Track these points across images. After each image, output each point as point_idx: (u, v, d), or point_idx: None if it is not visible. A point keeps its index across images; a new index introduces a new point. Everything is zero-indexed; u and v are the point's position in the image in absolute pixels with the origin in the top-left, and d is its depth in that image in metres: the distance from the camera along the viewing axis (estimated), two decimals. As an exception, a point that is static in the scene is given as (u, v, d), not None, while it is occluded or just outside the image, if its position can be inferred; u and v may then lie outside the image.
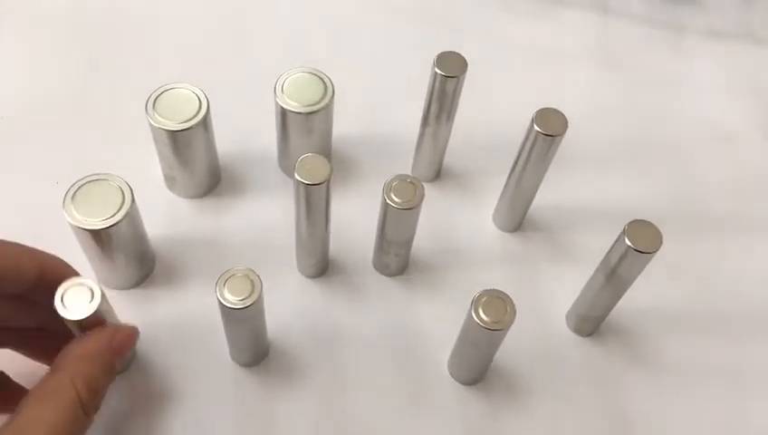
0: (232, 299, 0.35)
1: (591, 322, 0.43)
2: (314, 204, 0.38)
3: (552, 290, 0.46)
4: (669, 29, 0.60)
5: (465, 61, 0.41)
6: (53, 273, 0.35)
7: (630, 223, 0.36)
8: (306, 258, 0.43)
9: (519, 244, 0.48)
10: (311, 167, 0.37)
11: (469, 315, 0.36)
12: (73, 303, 0.34)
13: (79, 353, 0.34)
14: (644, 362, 0.44)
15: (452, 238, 0.48)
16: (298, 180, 0.36)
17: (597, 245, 0.46)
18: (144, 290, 0.44)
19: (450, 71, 0.41)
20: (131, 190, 0.39)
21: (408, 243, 0.43)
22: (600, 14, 0.60)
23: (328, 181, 0.37)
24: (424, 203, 0.48)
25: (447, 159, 0.49)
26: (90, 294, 0.34)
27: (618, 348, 0.44)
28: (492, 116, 0.51)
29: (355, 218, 0.47)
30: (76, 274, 0.36)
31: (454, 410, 0.42)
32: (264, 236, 0.46)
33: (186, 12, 0.57)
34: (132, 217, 0.39)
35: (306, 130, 0.45)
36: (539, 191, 0.45)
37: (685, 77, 0.57)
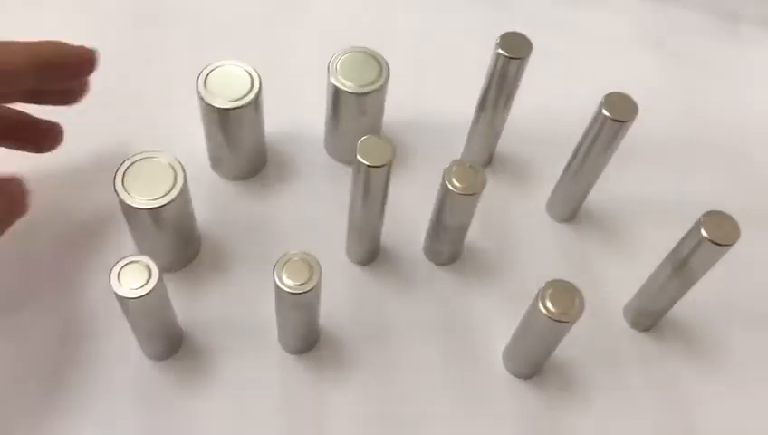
0: (290, 283, 0.34)
1: (651, 316, 0.42)
2: (374, 187, 0.37)
3: (607, 283, 0.44)
4: (724, 17, 0.58)
5: (529, 42, 0.39)
6: (50, 60, 0.33)
7: (706, 214, 0.35)
8: (358, 244, 0.42)
9: (573, 234, 0.46)
10: (373, 148, 0.35)
11: (535, 306, 0.35)
12: (129, 281, 0.33)
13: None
14: (704, 359, 0.42)
15: (504, 227, 0.46)
16: (359, 161, 0.35)
17: (654, 238, 0.45)
18: (190, 272, 0.43)
19: (514, 52, 0.39)
20: (183, 169, 0.38)
21: (464, 230, 0.41)
22: (656, 1, 0.58)
23: (390, 164, 0.36)
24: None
25: (500, 145, 0.48)
26: (147, 272, 0.33)
27: (677, 343, 0.43)
28: (547, 102, 0.50)
29: (405, 204, 0.45)
30: (78, 52, 0.34)
31: (508, 403, 0.40)
32: (310, 221, 0.45)
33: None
34: (184, 195, 0.38)
35: (358, 112, 0.43)
36: (596, 184, 0.44)
37: (741, 66, 0.55)
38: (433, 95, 0.51)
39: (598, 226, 0.47)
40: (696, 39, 0.56)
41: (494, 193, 0.47)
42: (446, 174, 0.38)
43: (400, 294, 0.43)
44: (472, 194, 0.37)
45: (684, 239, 0.36)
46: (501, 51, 0.39)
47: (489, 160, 0.48)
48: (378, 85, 0.42)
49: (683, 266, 0.37)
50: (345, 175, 0.47)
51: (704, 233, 0.34)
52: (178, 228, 0.40)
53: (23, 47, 0.32)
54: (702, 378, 0.42)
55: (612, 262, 0.45)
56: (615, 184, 0.48)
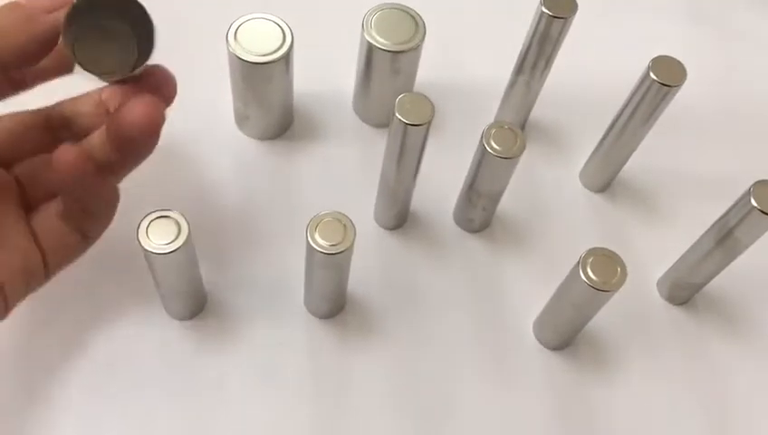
0: (323, 243, 0.33)
1: (688, 289, 0.41)
2: (410, 147, 0.35)
3: (642, 255, 0.43)
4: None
5: (574, 1, 0.38)
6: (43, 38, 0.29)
7: (756, 183, 0.34)
8: (388, 207, 0.41)
9: (607, 205, 0.45)
10: (412, 105, 0.34)
11: (575, 273, 0.33)
12: (157, 237, 0.32)
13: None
14: (739, 334, 0.41)
15: (536, 195, 0.45)
16: (398, 119, 0.34)
17: (691, 210, 0.44)
18: (216, 232, 0.42)
19: (558, 11, 0.37)
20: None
21: (498, 196, 0.40)
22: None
23: (429, 123, 0.34)
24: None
25: (535, 110, 0.46)
26: (176, 228, 0.32)
27: (712, 318, 0.42)
28: (586, 66, 0.48)
29: (436, 168, 0.44)
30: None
31: (538, 374, 0.39)
32: (337, 183, 0.44)
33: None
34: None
35: (392, 71, 0.42)
36: (633, 156, 0.42)
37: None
38: (468, 56, 0.49)
39: (632, 197, 0.45)
40: (740, 10, 0.54)
41: (526, 160, 0.45)
42: (485, 136, 0.36)
43: (429, 261, 0.42)
44: (510, 157, 0.36)
45: (731, 209, 0.35)
46: (544, 9, 0.37)
47: (523, 126, 0.47)
48: (414, 44, 0.41)
49: (728, 238, 0.35)
50: (373, 137, 0.46)
51: (754, 202, 0.33)
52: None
53: (28, 23, 0.29)
54: (736, 353, 0.41)
55: (646, 234, 0.44)
56: (651, 155, 0.46)
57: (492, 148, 0.36)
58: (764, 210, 0.33)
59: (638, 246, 0.44)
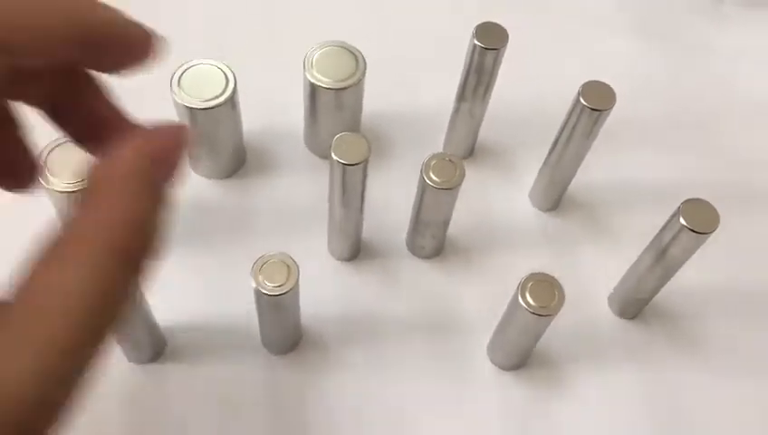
0: (268, 285, 0.34)
1: (636, 304, 0.42)
2: (351, 185, 0.36)
3: (592, 272, 0.44)
4: (707, -4, 0.57)
5: (505, 32, 0.39)
6: (105, 37, 0.21)
7: (685, 202, 0.35)
8: (339, 241, 0.42)
9: (557, 223, 0.46)
10: (348, 145, 0.35)
11: (515, 300, 0.34)
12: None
13: (111, 177, 0.20)
14: (690, 346, 0.42)
15: (487, 218, 0.46)
16: (335, 160, 0.35)
17: (639, 224, 0.45)
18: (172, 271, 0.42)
19: (490, 42, 0.39)
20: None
21: (445, 224, 0.41)
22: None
23: (366, 161, 0.35)
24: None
25: (482, 135, 0.47)
26: None
27: (662, 331, 0.43)
28: (529, 89, 0.49)
29: (386, 199, 0.45)
30: (138, 32, 0.22)
31: (494, 395, 0.40)
32: (292, 219, 0.45)
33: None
34: None
35: (336, 107, 0.43)
36: (580, 170, 0.43)
37: (724, 46, 0.55)
38: (413, 87, 0.50)
39: (582, 214, 0.46)
40: (679, 20, 0.56)
41: (477, 184, 0.47)
42: (425, 168, 0.37)
43: (384, 290, 0.43)
44: (450, 188, 0.37)
45: (664, 228, 0.36)
46: (477, 42, 0.39)
47: (471, 151, 0.48)
48: (354, 80, 0.42)
49: (663, 255, 0.36)
50: (326, 170, 0.47)
51: (683, 221, 0.34)
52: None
53: (66, 6, 0.21)
54: (687, 365, 0.42)
55: (597, 250, 0.45)
56: (599, 170, 0.47)
57: (431, 179, 0.37)
58: (693, 229, 0.34)
59: (589, 263, 0.45)
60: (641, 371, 0.41)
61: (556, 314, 0.34)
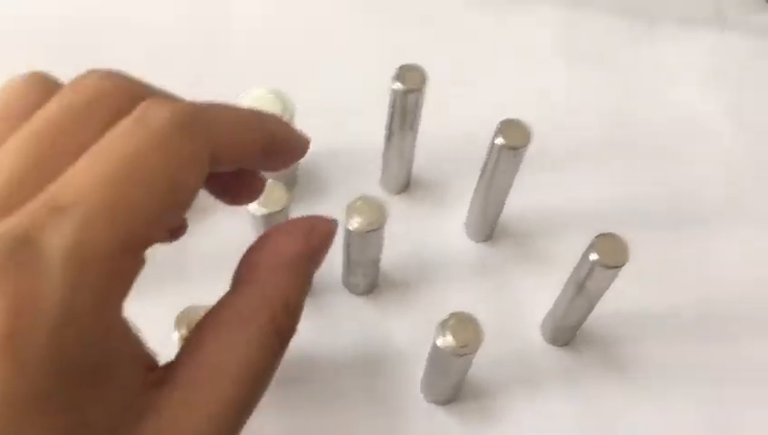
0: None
1: (566, 331, 0.42)
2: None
3: (526, 300, 0.45)
4: (640, 18, 0.58)
5: (424, 73, 0.40)
6: (280, 145, 0.24)
7: (597, 237, 0.36)
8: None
9: (492, 253, 0.47)
10: (268, 194, 0.36)
11: (434, 340, 0.35)
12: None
13: (271, 263, 0.23)
14: (622, 370, 0.43)
15: (424, 251, 0.47)
16: (253, 214, 0.35)
17: (572, 251, 0.46)
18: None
19: (410, 84, 0.39)
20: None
21: (374, 263, 0.42)
22: (569, 7, 0.58)
23: (287, 209, 0.36)
24: (394, 217, 0.47)
25: (417, 169, 0.48)
26: None
27: (595, 356, 0.44)
28: (460, 120, 0.50)
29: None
30: (299, 137, 0.25)
31: (429, 431, 0.41)
32: (227, 262, 0.45)
33: (138, 30, 0.56)
34: None
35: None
36: (511, 197, 0.44)
37: (657, 68, 0.56)
38: (347, 124, 0.50)
39: (516, 242, 0.47)
40: (609, 42, 0.57)
41: (412, 218, 0.48)
42: (348, 211, 0.38)
43: (319, 328, 0.44)
44: (372, 231, 0.38)
45: (579, 262, 0.37)
46: (397, 84, 0.39)
47: (407, 185, 0.48)
48: (282, 123, 0.42)
49: (582, 288, 0.37)
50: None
51: (594, 257, 0.35)
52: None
53: (259, 120, 0.24)
54: (620, 389, 0.42)
55: (530, 278, 0.46)
56: (533, 198, 0.48)
57: (353, 222, 0.38)
58: (605, 263, 0.35)
59: (523, 291, 0.45)
60: (575, 397, 0.42)
61: (475, 351, 0.35)
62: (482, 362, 0.41)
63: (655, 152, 0.52)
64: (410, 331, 0.44)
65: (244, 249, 0.48)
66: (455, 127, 0.49)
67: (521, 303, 0.45)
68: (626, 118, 0.53)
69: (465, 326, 0.35)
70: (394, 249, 0.46)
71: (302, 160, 0.48)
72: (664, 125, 0.53)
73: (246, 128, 0.23)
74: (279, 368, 0.44)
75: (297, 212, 0.47)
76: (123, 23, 0.55)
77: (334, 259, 0.44)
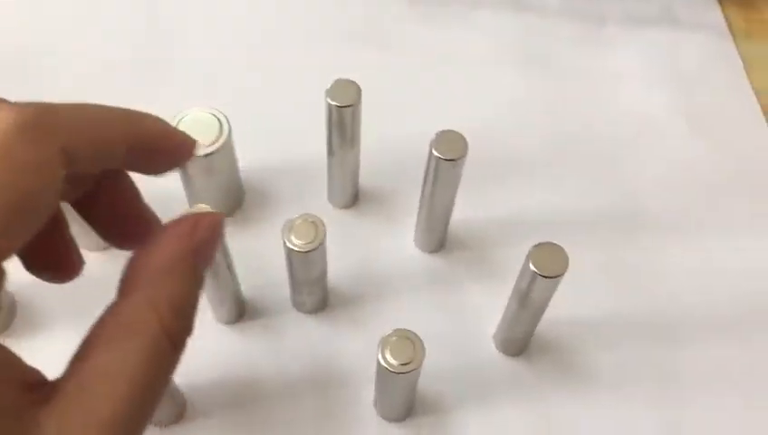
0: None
1: (517, 342, 0.42)
2: (216, 264, 0.36)
3: (478, 310, 0.44)
4: (589, 20, 0.58)
5: (358, 88, 0.39)
6: (155, 144, 0.23)
7: (535, 247, 0.35)
8: (218, 306, 0.42)
9: (443, 264, 0.46)
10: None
11: (378, 359, 0.34)
12: None
13: (155, 265, 0.22)
14: (577, 377, 0.43)
15: (374, 265, 0.46)
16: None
17: (523, 259, 0.45)
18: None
19: (344, 100, 0.39)
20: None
21: (318, 281, 0.41)
22: (515, 12, 0.58)
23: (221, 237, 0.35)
24: (343, 231, 0.46)
25: (364, 182, 0.48)
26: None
27: (549, 364, 0.43)
28: (404, 131, 0.49)
29: (271, 255, 0.45)
30: (181, 137, 0.25)
31: (383, 448, 0.40)
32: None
33: (74, 53, 0.55)
34: None
35: (208, 172, 0.43)
36: (460, 205, 0.44)
37: (606, 70, 0.56)
38: (290, 143, 0.50)
39: (466, 252, 0.47)
40: (558, 47, 0.57)
41: (362, 231, 0.47)
42: (285, 231, 0.37)
43: (270, 349, 0.43)
44: (311, 250, 0.37)
45: (520, 273, 0.36)
46: (331, 101, 0.39)
47: (354, 198, 0.48)
48: (221, 143, 0.42)
49: (526, 299, 0.37)
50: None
51: (532, 268, 0.34)
52: None
53: (123, 118, 0.23)
54: (575, 397, 0.42)
55: (481, 288, 0.45)
56: (483, 205, 0.48)
57: (292, 243, 0.37)
58: (544, 274, 0.34)
59: (474, 302, 0.45)
60: (530, 407, 0.42)
61: (418, 368, 0.34)
62: (436, 375, 0.41)
63: (604, 157, 0.51)
64: (363, 347, 0.43)
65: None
66: (399, 138, 0.49)
67: (473, 313, 0.44)
68: (574, 123, 0.53)
69: (406, 343, 0.35)
70: (344, 264, 0.45)
71: (249, 180, 0.48)
72: (614, 129, 0.53)
73: (107, 125, 0.22)
74: (228, 392, 0.43)
75: (242, 233, 0.47)
76: (51, 51, 0.54)
77: (282, 279, 0.43)
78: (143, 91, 0.52)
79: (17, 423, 0.19)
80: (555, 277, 0.34)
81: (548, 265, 0.34)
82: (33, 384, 0.20)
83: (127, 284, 0.22)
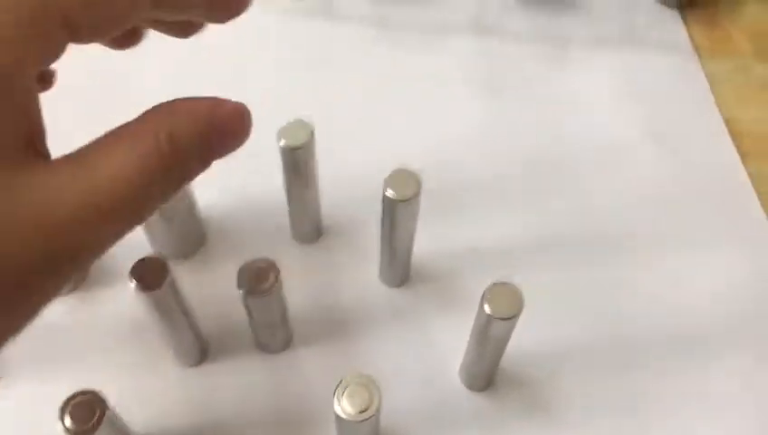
0: (72, 428, 0.33)
1: (482, 378, 0.41)
2: (166, 308, 0.36)
3: (443, 345, 0.44)
4: (553, 42, 0.58)
5: (310, 128, 0.39)
6: None
7: (490, 287, 0.35)
8: (177, 348, 0.41)
9: (408, 299, 0.46)
10: (147, 270, 0.35)
11: (334, 409, 0.34)
12: None
13: (170, 108, 0.25)
14: (545, 409, 0.42)
15: (339, 302, 0.46)
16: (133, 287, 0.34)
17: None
18: None
19: (295, 141, 0.39)
20: None
21: (277, 324, 0.41)
22: (477, 36, 0.58)
23: (170, 283, 0.35)
24: (308, 268, 0.46)
25: (327, 217, 0.47)
26: None
27: (517, 398, 0.43)
28: (367, 161, 0.49)
29: (235, 296, 0.44)
30: None
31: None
32: (134, 328, 0.44)
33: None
34: None
35: (164, 220, 0.42)
36: (424, 237, 0.43)
37: (571, 93, 0.55)
38: (251, 181, 0.49)
39: (431, 285, 0.46)
40: (522, 70, 0.56)
41: (326, 267, 0.47)
42: (239, 276, 0.37)
43: (234, 392, 0.42)
44: (266, 296, 0.37)
45: (477, 314, 0.36)
46: (283, 142, 0.38)
47: (318, 234, 0.47)
48: (176, 187, 0.41)
49: (485, 338, 0.36)
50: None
51: (487, 310, 0.34)
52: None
53: None
54: (545, 430, 0.41)
55: (447, 322, 0.45)
56: (446, 237, 0.48)
57: (246, 286, 0.37)
58: (499, 316, 0.34)
59: (440, 336, 0.44)
60: (495, 443, 0.41)
61: (376, 413, 0.34)
62: (401, 413, 0.40)
63: (569, 181, 0.51)
64: (328, 387, 0.42)
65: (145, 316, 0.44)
66: (360, 169, 0.48)
67: (438, 348, 0.44)
68: (539, 148, 0.52)
69: (361, 390, 0.34)
70: (310, 301, 0.45)
71: (210, 220, 0.48)
72: (579, 153, 0.52)
73: None
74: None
75: (204, 275, 0.46)
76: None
77: (245, 319, 0.43)
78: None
79: (12, 166, 0.21)
80: (510, 319, 0.34)
81: (503, 305, 0.34)
82: (38, 144, 0.23)
83: (141, 115, 0.24)
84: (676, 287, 0.46)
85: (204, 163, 0.25)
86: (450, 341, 0.44)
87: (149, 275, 0.35)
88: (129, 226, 0.23)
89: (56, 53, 0.23)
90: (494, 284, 0.35)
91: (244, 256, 0.44)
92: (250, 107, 0.32)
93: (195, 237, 0.46)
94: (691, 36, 0.58)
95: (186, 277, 0.45)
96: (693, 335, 0.45)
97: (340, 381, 0.34)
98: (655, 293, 0.46)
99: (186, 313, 0.39)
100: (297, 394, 0.42)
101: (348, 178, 0.48)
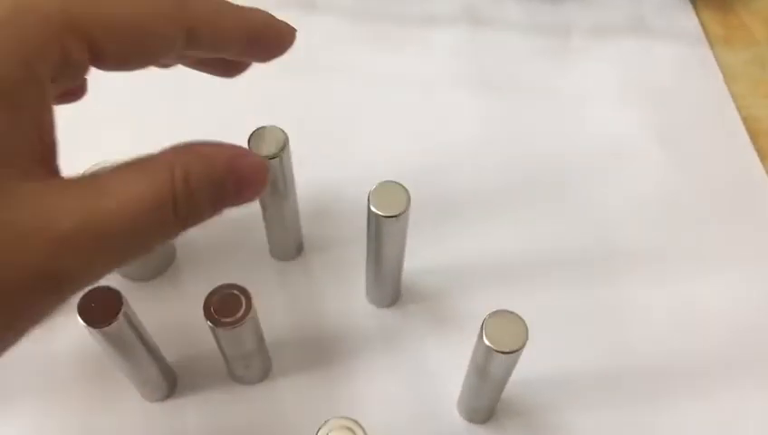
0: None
1: (482, 412, 0.37)
2: (117, 344, 0.32)
3: (439, 371, 0.40)
4: (552, 32, 0.53)
5: (283, 135, 0.34)
6: (258, 30, 0.28)
7: (489, 316, 0.30)
8: (140, 384, 0.37)
9: (399, 320, 0.41)
10: (99, 301, 0.31)
11: (315, 452, 0.30)
12: None
13: (190, 149, 0.25)
14: (549, 444, 0.38)
15: (322, 325, 0.41)
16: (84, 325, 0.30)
17: (485, 311, 0.41)
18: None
19: (268, 149, 0.34)
20: None
21: (252, 354, 0.36)
22: (471, 27, 0.53)
23: (121, 312, 0.31)
24: (289, 287, 0.42)
25: (308, 232, 0.43)
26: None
27: (519, 431, 0.38)
28: (352, 169, 0.45)
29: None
30: (283, 27, 0.29)
31: None
32: (96, 360, 0.40)
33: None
34: None
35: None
36: (415, 252, 0.39)
37: (573, 87, 0.51)
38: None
39: (423, 305, 0.42)
40: (520, 63, 0.52)
41: (308, 287, 0.42)
42: (205, 306, 0.33)
43: (205, 429, 0.38)
44: (237, 326, 0.32)
45: (475, 346, 0.32)
46: (254, 150, 0.34)
47: (299, 250, 0.43)
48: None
49: (484, 372, 0.32)
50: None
51: (487, 343, 0.30)
52: None
53: (234, 10, 0.27)
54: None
55: (442, 347, 0.40)
56: (440, 251, 0.43)
57: (214, 318, 0.32)
58: (501, 350, 0.30)
59: (435, 362, 0.40)
60: (499, 481, 0.37)
61: (361, 463, 0.30)
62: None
63: (572, 188, 0.46)
64: (312, 421, 0.38)
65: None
66: (344, 178, 0.44)
67: (434, 374, 0.40)
68: (538, 150, 0.48)
69: (346, 433, 0.30)
70: (290, 325, 0.41)
71: (182, 239, 0.43)
72: (582, 155, 0.48)
73: (226, 15, 0.26)
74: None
75: (171, 298, 0.42)
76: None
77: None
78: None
79: (18, 177, 0.21)
80: (513, 352, 0.30)
81: (505, 337, 0.30)
82: (48, 158, 0.23)
83: (157, 153, 0.24)
84: (690, 309, 0.42)
85: (215, 210, 0.25)
86: (447, 366, 0.40)
87: (101, 307, 0.31)
88: (125, 256, 0.23)
89: (73, 72, 0.23)
90: (495, 312, 0.30)
91: (217, 276, 0.39)
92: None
93: (162, 255, 0.42)
94: (702, 24, 0.54)
95: (151, 300, 0.41)
96: (711, 360, 0.40)
97: (324, 423, 0.30)
98: (666, 315, 0.42)
99: (147, 345, 0.35)
100: (276, 432, 0.38)
101: (330, 188, 0.44)
